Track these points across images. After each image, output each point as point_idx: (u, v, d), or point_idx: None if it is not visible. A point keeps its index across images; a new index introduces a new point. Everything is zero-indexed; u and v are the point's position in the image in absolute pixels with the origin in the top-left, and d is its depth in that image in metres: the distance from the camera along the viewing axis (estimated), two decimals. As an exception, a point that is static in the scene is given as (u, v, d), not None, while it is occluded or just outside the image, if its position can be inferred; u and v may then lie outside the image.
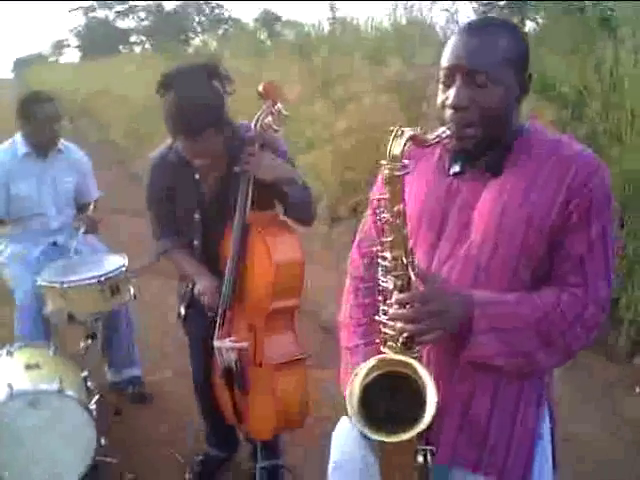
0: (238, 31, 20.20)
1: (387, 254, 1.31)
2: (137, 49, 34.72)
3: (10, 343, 2.63)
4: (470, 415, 1.39)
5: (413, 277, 1.29)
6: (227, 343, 2.27)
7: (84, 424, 2.35)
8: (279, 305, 2.23)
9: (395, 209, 1.29)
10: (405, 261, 1.30)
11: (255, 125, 2.21)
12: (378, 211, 1.33)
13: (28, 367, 2.45)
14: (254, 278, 2.24)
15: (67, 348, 3.02)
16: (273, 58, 10.74)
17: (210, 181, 2.33)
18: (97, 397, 2.86)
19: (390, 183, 1.29)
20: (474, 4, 8.75)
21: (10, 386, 2.26)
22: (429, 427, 1.23)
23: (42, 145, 3.20)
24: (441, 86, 1.37)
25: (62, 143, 3.30)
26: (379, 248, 1.34)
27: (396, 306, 1.30)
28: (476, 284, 1.35)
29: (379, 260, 1.34)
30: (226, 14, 37.72)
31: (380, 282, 1.35)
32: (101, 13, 38.01)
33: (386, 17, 9.18)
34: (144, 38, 37.05)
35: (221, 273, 2.29)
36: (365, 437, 1.34)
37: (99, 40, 33.73)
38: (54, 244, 3.29)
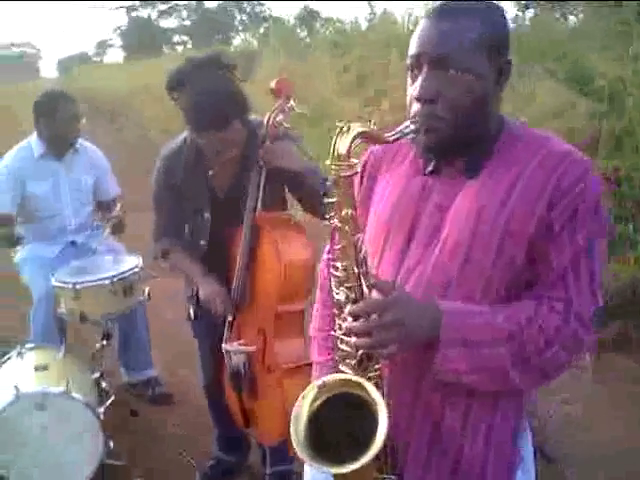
0: (278, 29, 20.26)
1: (338, 263, 1.20)
2: (180, 49, 35.09)
3: (22, 343, 2.63)
4: (440, 437, 1.28)
5: (365, 288, 1.18)
6: (236, 346, 2.24)
7: (90, 427, 2.34)
8: (288, 307, 2.18)
9: (343, 214, 1.17)
10: (356, 271, 1.18)
11: (267, 122, 2.17)
12: (328, 216, 1.20)
13: (37, 369, 2.46)
14: (263, 279, 2.20)
15: (83, 348, 3.02)
16: (311, 55, 10.73)
17: (223, 179, 2.29)
18: (112, 398, 2.88)
19: (337, 185, 1.17)
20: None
21: (17, 388, 2.26)
22: (391, 454, 1.14)
23: (61, 144, 3.20)
24: (409, 77, 1.25)
25: (79, 142, 3.29)
26: (331, 257, 1.23)
27: (349, 319, 1.18)
28: (446, 294, 1.23)
29: (331, 270, 1.23)
30: (267, 12, 37.86)
31: (334, 294, 1.23)
32: (144, 12, 38.53)
33: (423, 12, 9.01)
34: (186, 38, 37.46)
35: (227, 274, 2.25)
36: None
37: (142, 40, 34.18)
38: (72, 244, 3.29)
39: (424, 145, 1.24)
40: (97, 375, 2.67)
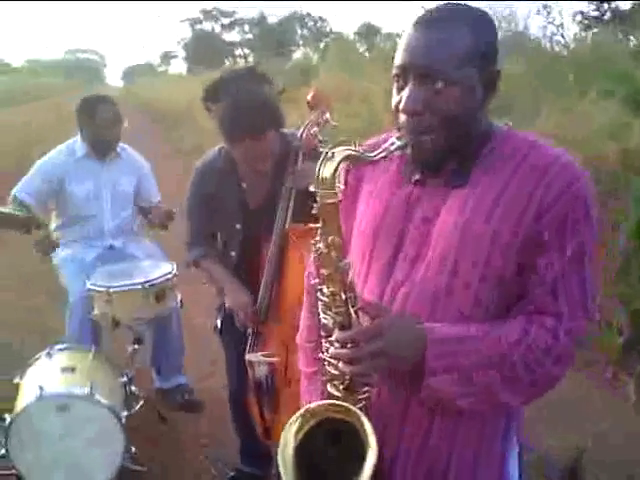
0: (337, 44, 20.41)
1: (324, 289, 1.18)
2: (241, 62, 35.75)
3: (53, 345, 2.66)
4: (427, 457, 1.24)
5: (353, 315, 1.16)
6: (259, 357, 2.22)
7: (112, 430, 2.34)
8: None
9: (329, 240, 1.15)
10: (343, 297, 1.16)
11: (301, 134, 2.17)
12: (313, 241, 1.18)
13: (63, 370, 2.48)
14: (289, 292, 2.18)
15: (116, 352, 3.04)
16: (368, 70, 10.75)
17: (256, 191, 2.29)
18: (141, 403, 2.89)
19: (323, 212, 1.14)
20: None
21: (41, 388, 2.28)
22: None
23: (102, 146, 3.25)
24: (395, 87, 1.20)
25: (121, 146, 3.34)
26: (318, 281, 1.20)
27: (337, 345, 1.16)
28: (434, 311, 1.19)
29: (318, 294, 1.20)
30: (328, 28, 38.22)
31: (321, 317, 1.21)
32: (207, 25, 39.43)
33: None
34: (247, 51, 38.12)
35: (257, 285, 2.24)
36: None
37: (205, 52, 34.96)
38: (110, 248, 3.32)
39: (413, 159, 1.21)
40: (125, 379, 2.67)
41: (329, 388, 1.22)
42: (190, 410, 3.24)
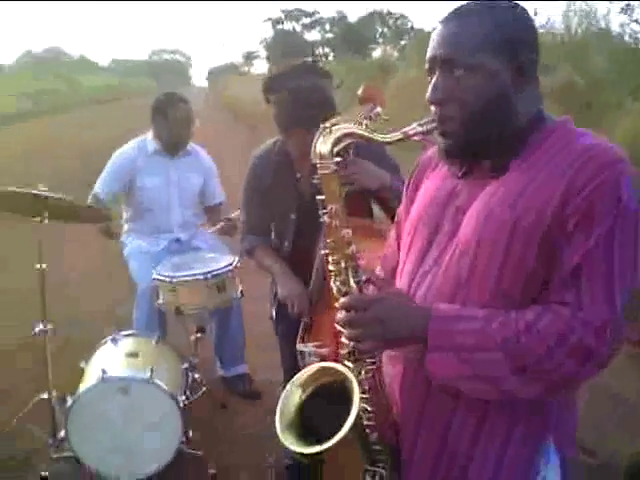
0: (417, 40, 20.22)
1: (329, 257, 1.26)
2: (322, 60, 35.97)
3: (119, 331, 2.78)
4: (448, 450, 1.23)
5: (353, 283, 1.23)
6: (309, 348, 2.23)
7: (170, 414, 2.42)
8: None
9: (330, 209, 1.24)
10: (345, 265, 1.23)
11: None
12: (320, 212, 1.26)
13: (127, 355, 2.58)
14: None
15: (182, 341, 3.14)
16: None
17: (309, 182, 2.31)
18: (203, 390, 2.98)
19: (323, 182, 1.23)
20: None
21: (104, 371, 2.38)
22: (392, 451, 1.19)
23: (174, 144, 3.37)
24: (428, 80, 1.23)
25: (190, 145, 3.45)
26: (326, 251, 1.28)
27: (342, 311, 1.21)
28: (455, 297, 1.20)
29: (326, 264, 1.28)
30: (409, 25, 37.89)
31: (331, 286, 1.28)
32: (289, 25, 39.87)
33: (559, 22, 8.64)
34: (328, 50, 38.31)
35: (309, 276, 2.26)
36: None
37: (286, 52, 35.36)
38: (177, 240, 3.44)
39: (441, 147, 1.24)
40: (186, 366, 2.76)
41: (343, 358, 1.29)
42: (250, 398, 3.31)
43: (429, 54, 1.21)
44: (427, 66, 1.23)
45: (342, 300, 1.22)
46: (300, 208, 2.33)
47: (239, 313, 3.35)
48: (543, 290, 1.14)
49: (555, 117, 1.24)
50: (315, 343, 2.23)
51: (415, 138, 1.23)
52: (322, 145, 1.23)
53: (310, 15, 39.58)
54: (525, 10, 1.21)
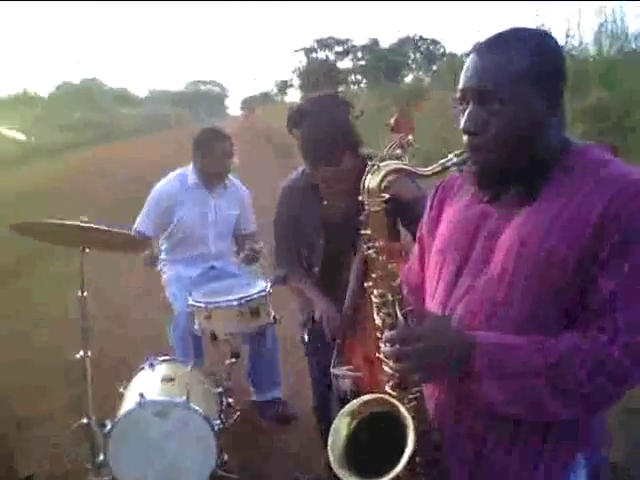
0: (449, 64, 20.27)
1: (375, 291, 1.27)
2: (354, 88, 36.30)
3: (155, 356, 2.86)
4: (482, 467, 1.25)
5: (400, 316, 1.24)
6: (343, 371, 2.27)
7: (206, 437, 2.48)
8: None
9: (377, 245, 1.25)
10: (391, 298, 1.24)
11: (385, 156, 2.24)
12: (364, 247, 1.28)
13: (163, 379, 2.66)
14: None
15: (217, 366, 3.20)
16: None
17: (337, 208, 2.38)
18: (237, 414, 3.03)
19: (370, 219, 1.26)
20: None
21: (142, 395, 2.46)
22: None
23: (213, 179, 3.49)
24: (460, 110, 1.27)
25: (228, 178, 3.56)
26: (370, 284, 1.29)
27: (388, 344, 1.22)
28: (491, 324, 1.22)
29: (372, 297, 1.29)
30: (441, 50, 38.05)
31: (375, 318, 1.30)
32: (321, 54, 40.40)
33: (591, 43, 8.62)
34: (360, 77, 38.67)
35: (337, 299, 2.31)
36: None
37: (319, 80, 35.77)
38: (212, 268, 3.54)
39: (473, 175, 1.26)
40: (220, 390, 2.82)
41: (387, 387, 1.30)
42: (283, 422, 3.35)
43: (463, 85, 1.24)
44: (459, 94, 1.26)
45: (390, 333, 1.23)
46: (327, 233, 2.40)
47: (274, 338, 3.42)
48: (579, 316, 1.17)
49: (579, 141, 1.27)
50: (348, 367, 2.28)
51: (453, 168, 1.26)
52: (371, 181, 1.25)
53: (343, 43, 40.16)
54: (554, 38, 1.25)
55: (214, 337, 2.94)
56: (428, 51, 38.66)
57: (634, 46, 8.17)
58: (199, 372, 2.84)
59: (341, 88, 35.31)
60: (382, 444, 1.24)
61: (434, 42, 38.91)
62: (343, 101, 2.30)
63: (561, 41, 10.42)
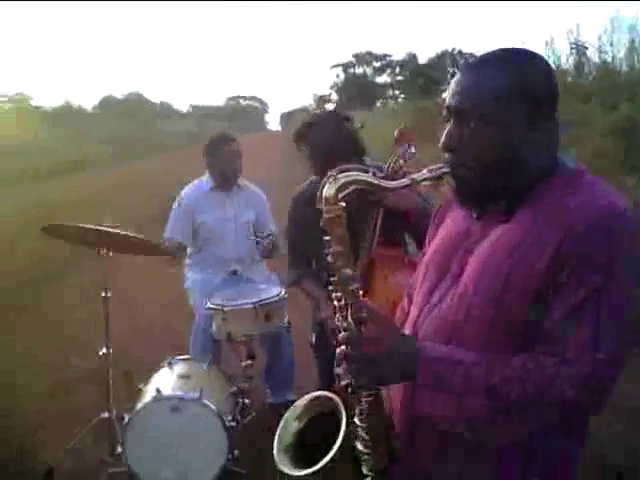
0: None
1: (334, 294, 1.31)
2: (391, 103, 36.41)
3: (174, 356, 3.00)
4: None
5: (350, 319, 1.25)
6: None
7: (217, 433, 2.60)
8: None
9: (334, 250, 1.30)
10: (345, 302, 1.28)
11: (388, 167, 2.36)
12: (325, 251, 1.31)
13: (180, 377, 2.80)
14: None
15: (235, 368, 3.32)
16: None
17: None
18: (252, 415, 3.14)
19: (327, 225, 1.31)
20: None
21: (158, 390, 2.60)
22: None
23: (225, 178, 3.65)
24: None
25: (242, 180, 3.73)
26: (330, 288, 1.33)
27: (342, 346, 1.26)
28: (451, 338, 1.24)
29: (333, 299, 1.33)
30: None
31: (335, 320, 1.34)
32: (359, 69, 40.63)
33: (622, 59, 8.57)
34: (397, 92, 38.75)
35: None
36: None
37: (357, 95, 36.03)
38: (234, 273, 3.68)
39: (453, 190, 1.29)
40: (234, 389, 2.94)
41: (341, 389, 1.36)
42: None
43: (446, 102, 1.26)
44: (444, 112, 1.27)
45: (340, 335, 1.27)
46: None
47: (289, 342, 3.52)
48: (533, 339, 1.17)
49: (571, 163, 1.25)
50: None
51: (424, 184, 1.30)
52: (328, 191, 1.30)
53: (381, 58, 40.34)
54: (542, 58, 1.25)
55: (230, 338, 3.08)
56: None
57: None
58: (215, 371, 2.97)
59: (378, 103, 35.46)
60: (325, 440, 1.32)
61: (472, 56, 38.66)
62: (345, 116, 2.49)
63: (594, 56, 10.39)
